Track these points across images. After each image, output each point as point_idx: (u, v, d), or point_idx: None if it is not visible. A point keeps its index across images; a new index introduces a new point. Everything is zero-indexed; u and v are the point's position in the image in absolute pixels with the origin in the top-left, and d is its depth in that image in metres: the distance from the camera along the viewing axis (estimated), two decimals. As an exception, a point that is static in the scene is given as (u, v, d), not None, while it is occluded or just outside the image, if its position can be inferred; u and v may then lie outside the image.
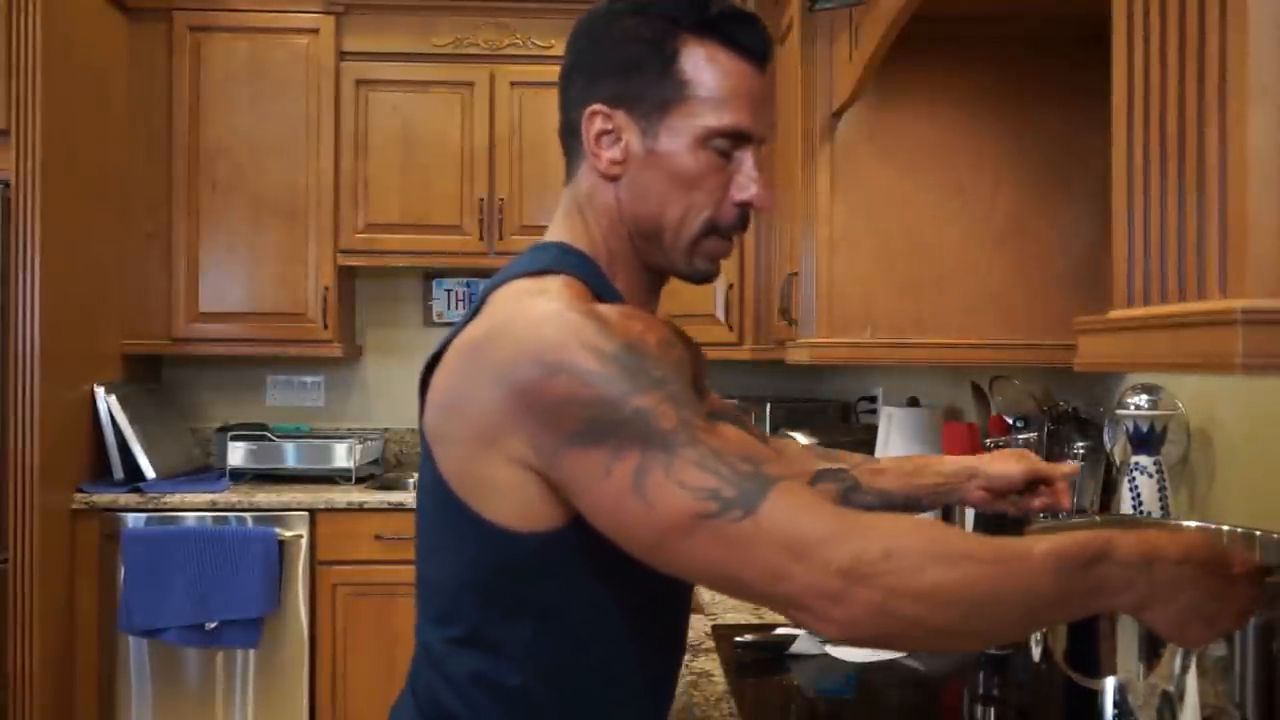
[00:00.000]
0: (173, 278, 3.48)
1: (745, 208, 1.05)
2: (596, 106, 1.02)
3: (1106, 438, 1.75)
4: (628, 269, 1.07)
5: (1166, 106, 0.81)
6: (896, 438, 2.52)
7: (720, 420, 0.97)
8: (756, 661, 1.49)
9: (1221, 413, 1.56)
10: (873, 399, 3.36)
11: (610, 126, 1.02)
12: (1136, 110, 0.86)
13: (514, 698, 0.99)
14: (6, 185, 2.91)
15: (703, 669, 1.45)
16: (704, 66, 1.00)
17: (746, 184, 1.03)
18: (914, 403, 2.59)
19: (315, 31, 3.51)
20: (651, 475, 0.85)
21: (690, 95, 1.00)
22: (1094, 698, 1.04)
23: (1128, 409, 1.59)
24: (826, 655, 1.50)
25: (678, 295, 3.59)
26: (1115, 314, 0.88)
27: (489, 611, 0.99)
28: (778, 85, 3.04)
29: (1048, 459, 1.77)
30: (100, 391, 3.24)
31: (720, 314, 3.33)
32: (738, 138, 1.02)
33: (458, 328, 1.00)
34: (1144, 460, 1.57)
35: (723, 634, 1.61)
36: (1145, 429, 1.56)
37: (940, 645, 0.87)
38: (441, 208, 3.55)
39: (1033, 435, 1.75)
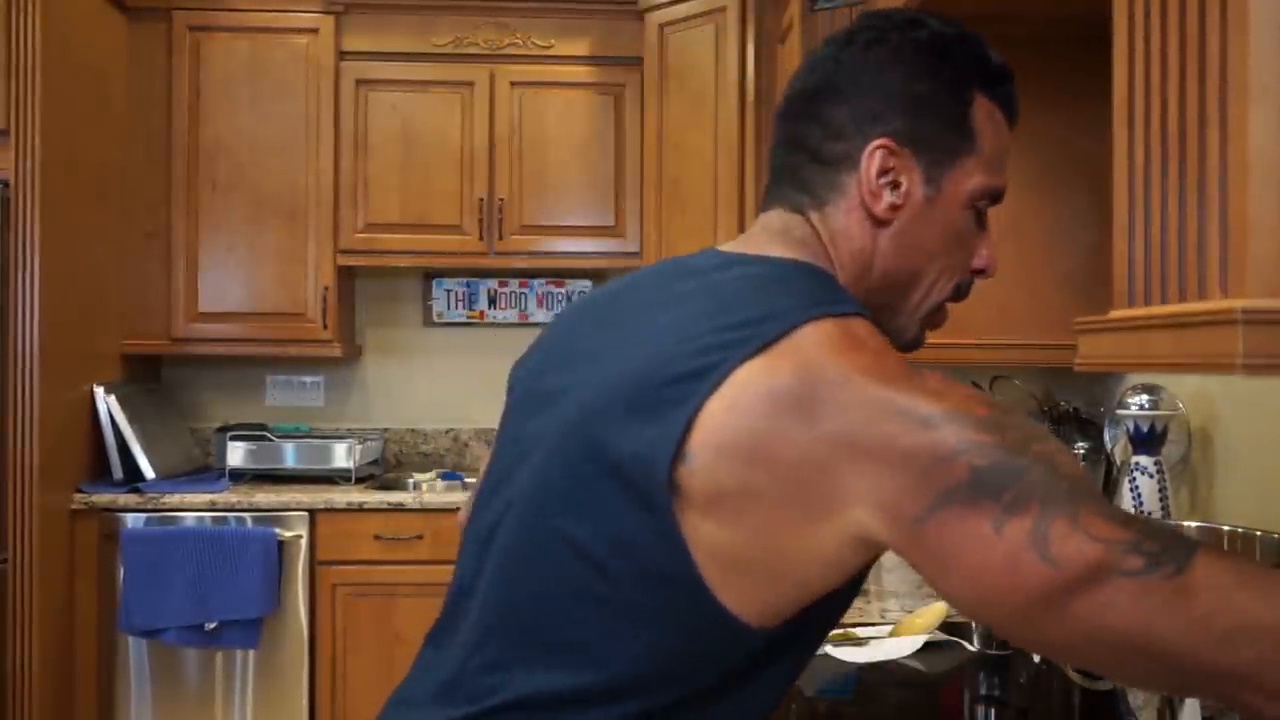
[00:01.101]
0: (172, 278, 3.47)
1: (979, 275, 1.00)
2: (884, 141, 0.92)
3: (1107, 438, 1.75)
4: None
5: (1167, 107, 0.81)
6: (896, 438, 2.51)
7: None
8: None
9: (1222, 413, 1.56)
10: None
11: (893, 165, 0.92)
12: (1137, 110, 0.86)
13: None
14: (6, 185, 2.91)
15: (703, 669, 1.45)
16: (987, 122, 0.95)
17: (985, 251, 0.99)
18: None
19: (315, 31, 3.51)
20: (1055, 528, 0.74)
21: (976, 149, 0.94)
22: (1095, 698, 1.04)
23: (1128, 409, 1.59)
24: (827, 655, 1.50)
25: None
26: (1116, 314, 0.88)
27: (668, 695, 0.84)
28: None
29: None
30: (100, 391, 3.24)
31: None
32: (995, 199, 0.98)
33: (723, 357, 0.81)
34: (1145, 460, 1.57)
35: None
36: (1146, 429, 1.56)
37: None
38: (441, 207, 3.55)
39: (1033, 435, 1.75)
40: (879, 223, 0.93)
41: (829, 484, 0.77)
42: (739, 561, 0.80)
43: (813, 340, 0.81)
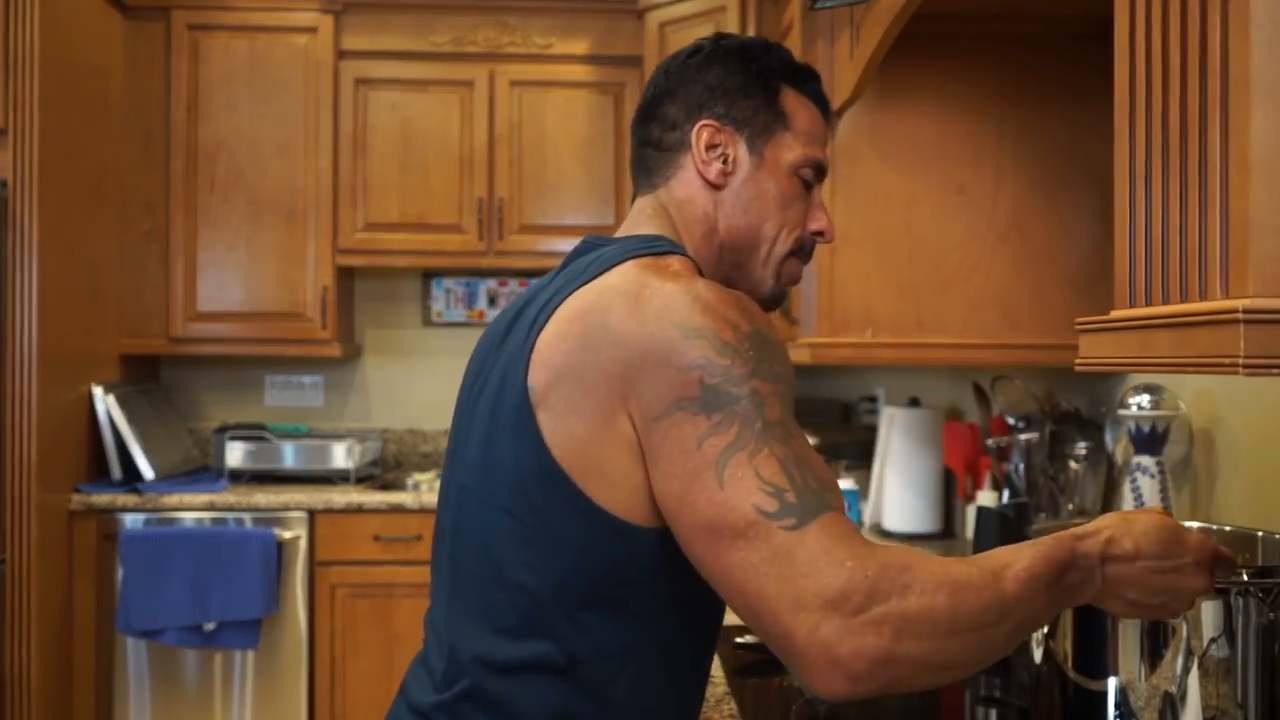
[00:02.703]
0: (171, 277, 3.47)
1: (818, 236, 1.15)
2: (708, 121, 1.11)
3: (1108, 438, 1.74)
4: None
5: (1168, 106, 0.80)
6: (897, 438, 2.51)
7: (807, 440, 0.95)
8: (757, 662, 1.48)
9: (1223, 413, 1.56)
10: (873, 399, 3.35)
11: (719, 140, 1.11)
12: (1138, 110, 0.85)
13: (590, 702, 0.97)
14: (4, 185, 2.90)
15: (702, 670, 1.45)
16: (798, 107, 1.14)
17: (820, 215, 1.15)
18: (915, 403, 2.59)
19: (314, 30, 3.51)
20: (736, 457, 0.87)
21: (790, 126, 1.13)
22: (1096, 699, 1.04)
23: (1130, 409, 1.59)
24: (826, 656, 1.50)
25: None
26: (1117, 314, 0.88)
27: (588, 616, 0.97)
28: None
29: (1049, 459, 1.77)
30: (98, 392, 3.24)
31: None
32: (819, 171, 1.14)
33: (548, 299, 1.01)
34: (1146, 461, 1.56)
35: (723, 634, 1.60)
36: (1147, 429, 1.56)
37: (939, 679, 0.88)
38: (441, 207, 3.54)
39: (1034, 435, 1.75)
40: (714, 187, 1.12)
41: (615, 381, 0.92)
42: (585, 459, 0.94)
43: (621, 270, 0.99)
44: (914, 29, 1.57)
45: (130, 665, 3.14)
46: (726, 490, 0.86)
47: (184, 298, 3.47)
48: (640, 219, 1.14)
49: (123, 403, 3.26)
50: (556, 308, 0.98)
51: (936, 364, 2.06)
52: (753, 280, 1.14)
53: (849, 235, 1.85)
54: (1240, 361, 0.69)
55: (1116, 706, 1.02)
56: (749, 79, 1.13)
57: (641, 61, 3.51)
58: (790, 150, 1.12)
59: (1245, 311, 0.69)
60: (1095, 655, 1.04)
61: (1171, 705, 0.99)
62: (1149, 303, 0.84)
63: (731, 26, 3.27)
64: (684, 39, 3.39)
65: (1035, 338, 1.82)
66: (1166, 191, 0.81)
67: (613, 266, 1.00)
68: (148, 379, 3.67)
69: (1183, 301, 0.78)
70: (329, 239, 3.51)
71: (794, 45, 2.35)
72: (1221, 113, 0.73)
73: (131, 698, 3.14)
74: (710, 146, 1.11)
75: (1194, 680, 0.98)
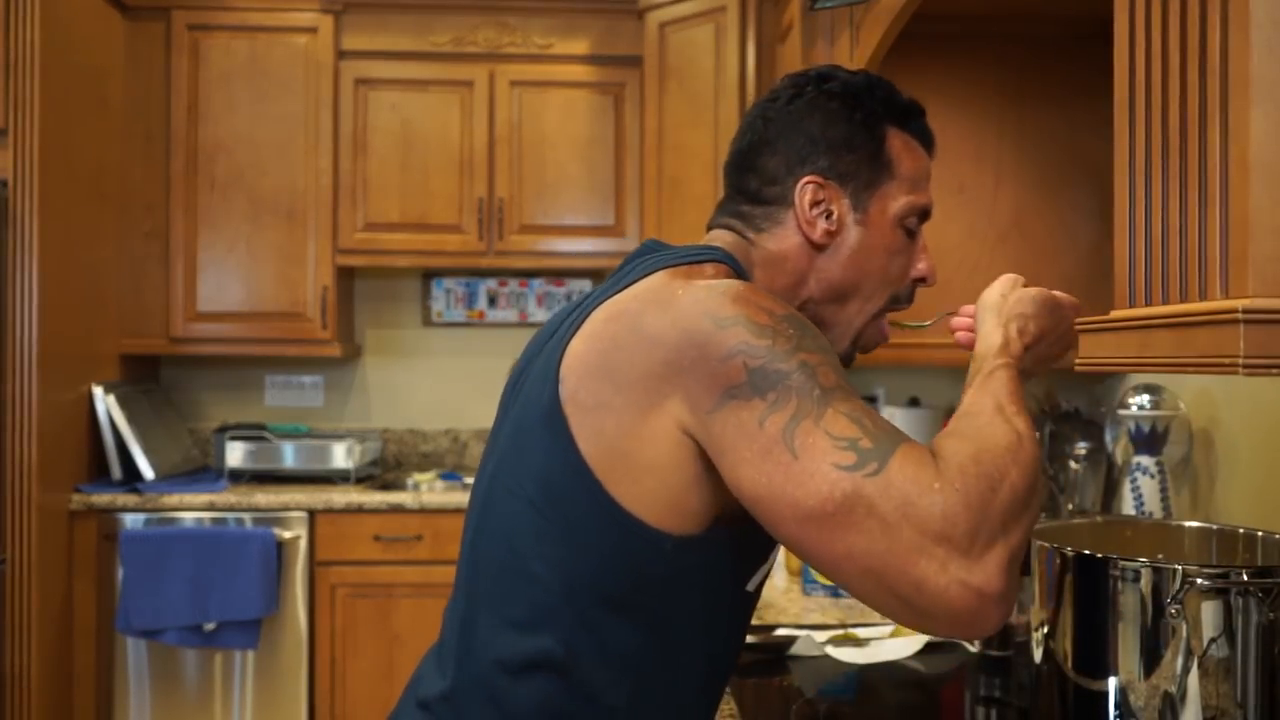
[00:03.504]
0: (171, 277, 3.47)
1: (919, 283, 1.14)
2: (811, 178, 1.07)
3: (1108, 438, 1.74)
4: None
5: (1168, 106, 0.80)
6: (896, 438, 2.51)
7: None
8: (757, 662, 1.48)
9: (1223, 413, 1.56)
10: (873, 399, 3.35)
11: (823, 197, 1.08)
12: (1138, 109, 0.85)
13: (588, 706, 0.97)
14: (4, 185, 2.90)
15: (702, 670, 1.45)
16: (903, 151, 1.11)
17: (922, 259, 1.13)
18: (915, 403, 2.59)
19: (314, 30, 3.51)
20: (803, 424, 0.86)
21: (895, 175, 1.10)
22: (1096, 699, 1.04)
23: (1129, 409, 1.59)
24: (827, 656, 1.50)
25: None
26: (1117, 314, 0.88)
27: (597, 616, 0.96)
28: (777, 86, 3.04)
29: (1049, 459, 1.77)
30: (98, 391, 3.24)
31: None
32: (924, 215, 1.13)
33: (590, 301, 1.01)
34: (1146, 460, 1.56)
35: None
36: (1147, 429, 1.56)
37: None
38: (441, 207, 3.54)
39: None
40: (818, 248, 1.08)
41: (653, 380, 0.92)
42: (612, 456, 0.93)
43: (655, 275, 0.99)
44: (914, 29, 1.57)
45: (130, 665, 3.14)
46: (802, 459, 0.85)
47: (184, 298, 3.47)
48: (713, 242, 1.10)
49: (123, 403, 3.26)
50: (594, 309, 0.98)
51: (936, 364, 2.06)
52: (834, 335, 1.11)
53: (849, 235, 1.85)
54: (1240, 361, 0.69)
55: (1116, 706, 1.02)
56: (854, 128, 1.09)
57: (641, 62, 3.51)
58: (895, 200, 1.09)
59: (1245, 311, 0.69)
60: (1095, 655, 1.04)
61: (1171, 705, 0.99)
62: (1149, 303, 0.84)
63: (731, 27, 3.27)
64: (684, 39, 3.39)
65: (1035, 338, 1.82)
66: (1166, 191, 0.81)
67: (652, 273, 0.99)
68: (148, 379, 3.67)
69: (1182, 301, 0.78)
70: (329, 239, 3.51)
71: (794, 45, 2.35)
72: (1221, 113, 0.73)
73: (131, 697, 3.14)
74: (814, 204, 1.08)
75: (1194, 680, 0.98)
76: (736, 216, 1.11)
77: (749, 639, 1.53)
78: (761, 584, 1.10)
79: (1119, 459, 1.70)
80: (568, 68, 3.59)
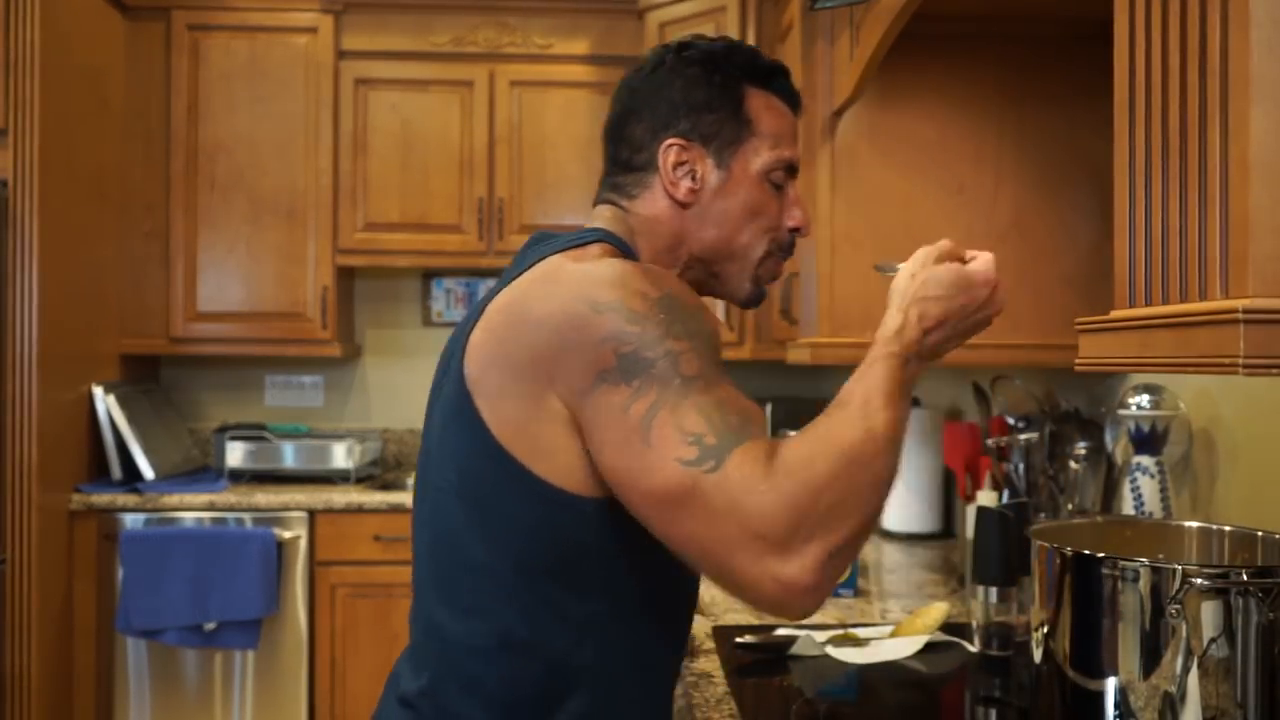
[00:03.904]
0: (171, 277, 3.47)
1: (795, 233, 1.18)
2: (674, 140, 1.13)
3: (1108, 438, 1.74)
4: None
5: (1168, 106, 0.80)
6: (896, 438, 2.51)
7: (738, 388, 0.99)
8: (757, 662, 1.48)
9: (1223, 413, 1.56)
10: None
11: (686, 158, 1.13)
12: (1138, 109, 0.85)
13: (555, 677, 1.01)
14: (4, 185, 2.90)
15: (703, 670, 1.45)
16: (765, 109, 1.15)
17: (796, 212, 1.17)
18: (915, 403, 2.59)
19: (314, 30, 3.51)
20: (659, 415, 0.91)
21: (756, 133, 1.14)
22: (1096, 699, 1.04)
23: (1129, 409, 1.59)
24: (827, 656, 1.50)
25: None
26: (1117, 314, 0.88)
27: (546, 589, 1.00)
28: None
29: (1049, 459, 1.77)
30: (98, 392, 3.24)
31: (720, 314, 3.33)
32: (790, 169, 1.16)
33: (490, 295, 1.06)
34: (1146, 460, 1.56)
35: (723, 634, 1.60)
36: (1147, 429, 1.56)
37: (873, 529, 0.97)
38: (441, 207, 3.54)
39: (1034, 435, 1.75)
40: (683, 205, 1.13)
41: (542, 363, 0.96)
42: (523, 437, 0.98)
43: (544, 261, 1.03)
44: (914, 29, 1.57)
45: (130, 665, 3.14)
46: (654, 449, 0.91)
47: (184, 298, 3.47)
48: (595, 221, 1.16)
49: (123, 403, 3.26)
50: (490, 301, 1.04)
51: (939, 365, 2.06)
52: (731, 286, 1.17)
53: (849, 235, 1.85)
54: (1240, 361, 0.69)
55: (1116, 706, 1.02)
56: (713, 90, 1.14)
57: (641, 61, 3.51)
58: (758, 156, 1.14)
59: (1245, 311, 0.69)
60: (1095, 655, 1.04)
61: (1171, 705, 0.99)
62: (1149, 303, 0.84)
63: (731, 26, 3.27)
64: (684, 39, 3.39)
65: (1035, 338, 1.82)
66: (1166, 191, 0.81)
67: (542, 259, 1.05)
68: (148, 379, 3.67)
69: (1182, 301, 0.78)
70: (329, 239, 3.51)
71: (794, 45, 2.35)
72: (1221, 113, 0.73)
73: (132, 697, 3.14)
74: (677, 165, 1.13)
75: (1194, 680, 0.98)
76: (613, 189, 1.17)
77: (748, 638, 1.53)
78: None
79: (1119, 459, 1.70)
80: (568, 68, 3.59)
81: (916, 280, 1.05)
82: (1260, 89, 0.70)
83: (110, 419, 3.23)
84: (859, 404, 0.96)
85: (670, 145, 1.12)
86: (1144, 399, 1.59)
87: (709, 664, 1.48)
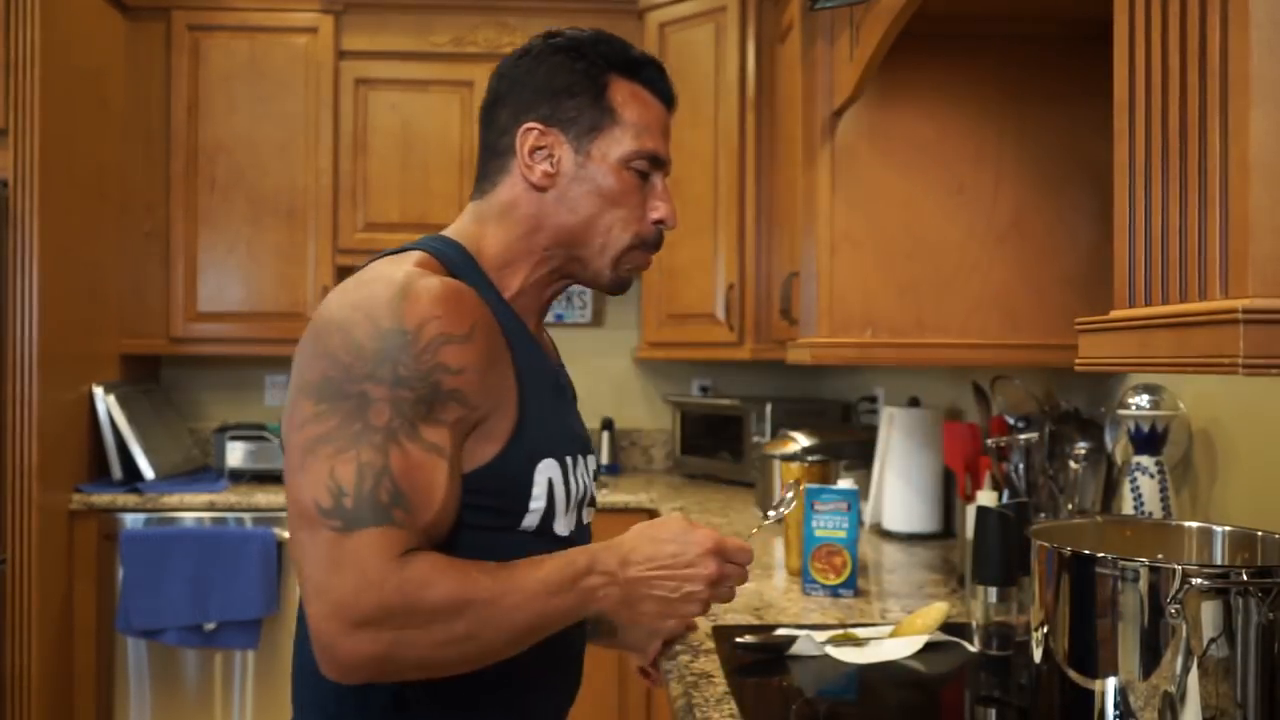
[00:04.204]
0: (171, 277, 3.47)
1: (660, 225, 1.18)
2: (531, 124, 1.14)
3: (1108, 438, 1.74)
4: (527, 275, 1.17)
5: (1168, 106, 0.80)
6: (897, 438, 2.51)
7: (436, 455, 0.99)
8: (757, 662, 1.49)
9: (1223, 413, 1.56)
10: (873, 399, 3.35)
11: (544, 143, 1.14)
12: (1138, 110, 0.85)
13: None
14: (5, 185, 2.90)
15: (703, 669, 1.45)
16: (629, 100, 1.15)
17: (660, 204, 1.17)
18: (915, 403, 2.59)
19: (314, 31, 3.51)
20: (323, 448, 0.95)
21: (618, 121, 1.14)
22: (1095, 699, 1.04)
23: (1129, 409, 1.59)
24: (827, 656, 1.50)
25: (679, 295, 3.57)
26: (1117, 314, 0.88)
27: None
28: (778, 85, 3.04)
29: (1049, 459, 1.77)
30: (99, 392, 3.24)
31: (720, 314, 3.33)
32: (655, 162, 1.16)
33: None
34: (1145, 461, 1.56)
35: (723, 634, 1.61)
36: (1147, 429, 1.56)
37: (434, 674, 1.02)
38: (441, 207, 3.54)
39: (1034, 435, 1.75)
40: (539, 189, 1.14)
41: (293, 381, 1.01)
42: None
43: (364, 269, 1.08)
44: (914, 29, 1.57)
45: (130, 665, 3.14)
46: (302, 476, 0.96)
47: (184, 298, 3.47)
48: (455, 223, 1.18)
49: (123, 403, 3.27)
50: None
51: (936, 364, 2.06)
52: (591, 271, 1.18)
53: (849, 235, 1.85)
54: (1240, 361, 0.69)
55: (1116, 706, 1.02)
56: (575, 77, 1.14)
57: (641, 61, 3.51)
58: (618, 144, 1.14)
59: (1245, 311, 0.69)
60: (1094, 655, 1.04)
61: (1171, 705, 0.99)
62: (1149, 303, 0.84)
63: (731, 27, 3.27)
64: (684, 39, 3.39)
65: (1035, 338, 1.82)
66: (1166, 192, 0.81)
67: (370, 263, 1.08)
68: (148, 379, 3.67)
69: (1182, 302, 0.78)
70: (329, 239, 3.51)
71: (794, 45, 2.35)
72: (1221, 113, 0.73)
73: (132, 697, 3.14)
74: (534, 150, 1.13)
75: (1193, 680, 0.98)
76: (480, 177, 1.18)
77: (748, 638, 1.53)
78: (582, 524, 1.19)
79: (1118, 459, 1.70)
80: (568, 68, 3.58)
81: (651, 525, 1.09)
82: (1260, 89, 0.70)
83: (110, 419, 3.23)
84: (522, 573, 0.99)
85: (528, 129, 1.13)
86: (1144, 399, 1.59)
87: (709, 664, 1.48)
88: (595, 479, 1.26)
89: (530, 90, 1.15)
